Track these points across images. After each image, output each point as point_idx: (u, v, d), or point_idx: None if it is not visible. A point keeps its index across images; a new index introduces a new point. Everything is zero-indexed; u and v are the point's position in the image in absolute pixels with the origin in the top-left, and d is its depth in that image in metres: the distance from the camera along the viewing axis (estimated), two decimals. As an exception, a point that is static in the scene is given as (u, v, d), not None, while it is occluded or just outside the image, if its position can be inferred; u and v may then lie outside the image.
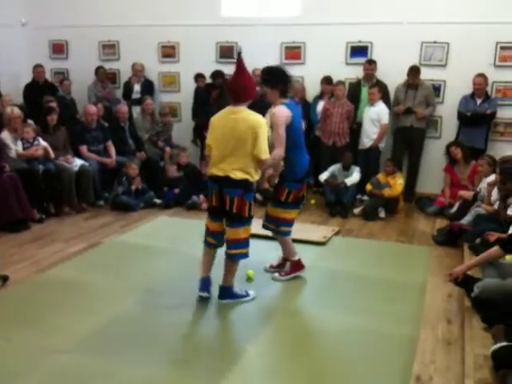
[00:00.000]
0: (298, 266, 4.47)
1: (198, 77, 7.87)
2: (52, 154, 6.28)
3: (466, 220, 5.33)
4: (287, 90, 4.16)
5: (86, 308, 3.87)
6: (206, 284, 3.96)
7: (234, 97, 3.75)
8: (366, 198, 6.75)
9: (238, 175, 3.70)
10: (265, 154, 3.70)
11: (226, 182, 3.71)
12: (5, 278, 4.26)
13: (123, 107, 7.29)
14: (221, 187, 3.74)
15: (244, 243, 3.87)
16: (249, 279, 4.37)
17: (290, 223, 4.35)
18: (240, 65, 3.75)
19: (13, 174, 5.71)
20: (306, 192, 4.44)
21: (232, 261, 3.91)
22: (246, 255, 3.91)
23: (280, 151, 3.99)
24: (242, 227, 3.82)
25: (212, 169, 3.79)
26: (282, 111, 4.03)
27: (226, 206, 3.75)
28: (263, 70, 4.30)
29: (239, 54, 3.79)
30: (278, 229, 4.36)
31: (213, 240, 3.95)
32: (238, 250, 3.86)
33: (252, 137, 3.65)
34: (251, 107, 3.83)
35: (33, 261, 4.77)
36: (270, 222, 4.38)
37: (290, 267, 4.49)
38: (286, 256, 4.49)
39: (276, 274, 4.47)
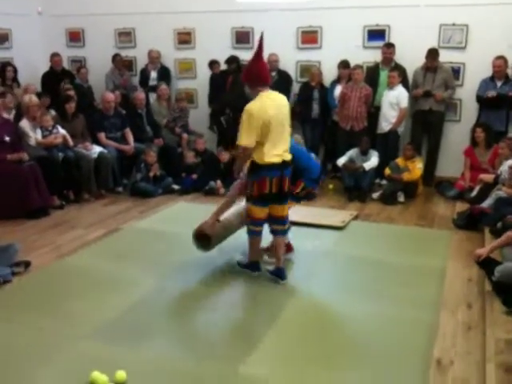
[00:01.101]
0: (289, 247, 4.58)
1: (213, 63, 7.84)
2: (71, 142, 6.34)
3: (487, 203, 5.26)
4: None
5: (106, 294, 3.91)
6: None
7: (265, 80, 3.84)
8: (384, 182, 6.70)
9: (288, 157, 3.93)
10: None
11: (284, 166, 3.88)
12: (27, 264, 4.33)
13: (140, 94, 7.31)
14: (282, 172, 3.87)
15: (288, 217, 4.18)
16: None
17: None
18: (262, 47, 3.86)
19: (32, 163, 5.77)
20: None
21: (284, 236, 4.17)
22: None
23: None
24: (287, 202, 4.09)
25: (268, 158, 3.81)
26: None
27: (285, 187, 3.92)
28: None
29: (262, 37, 3.84)
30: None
31: (261, 227, 4.11)
32: (288, 224, 4.18)
33: (288, 116, 3.92)
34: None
35: (53, 247, 4.84)
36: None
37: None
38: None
39: (265, 257, 4.50)
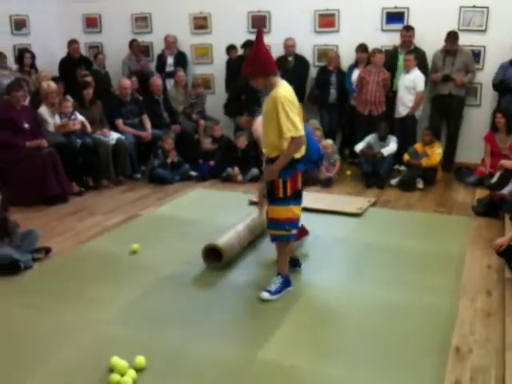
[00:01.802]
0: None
1: (230, 48, 7.80)
2: (89, 128, 6.38)
3: (507, 190, 5.20)
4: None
5: (125, 279, 3.96)
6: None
7: (275, 67, 3.46)
8: (403, 168, 6.65)
9: None
10: None
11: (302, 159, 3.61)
12: (47, 250, 4.39)
13: (157, 80, 7.31)
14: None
15: None
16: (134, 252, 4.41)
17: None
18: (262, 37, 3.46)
19: (51, 149, 5.82)
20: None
21: None
22: None
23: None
24: None
25: (302, 150, 3.53)
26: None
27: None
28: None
29: (260, 30, 3.45)
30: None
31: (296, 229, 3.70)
32: None
33: None
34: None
35: (73, 233, 4.90)
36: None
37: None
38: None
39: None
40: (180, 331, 3.25)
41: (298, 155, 3.46)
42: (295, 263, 4.05)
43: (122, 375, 2.76)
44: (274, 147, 3.44)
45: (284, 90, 3.38)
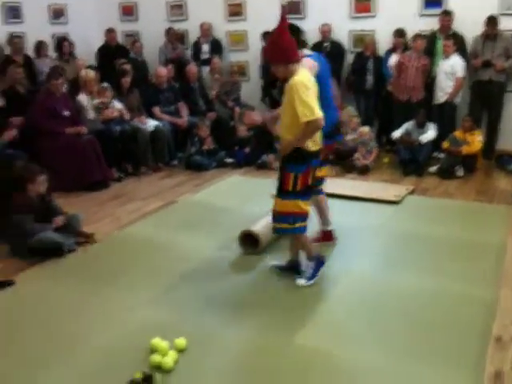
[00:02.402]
0: (328, 236, 4.23)
1: (265, 35, 7.76)
2: (127, 116, 6.47)
3: (551, 178, 5.06)
4: (301, 39, 3.88)
5: (164, 263, 4.03)
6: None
7: (296, 54, 3.31)
8: (442, 155, 6.54)
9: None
10: None
11: (319, 154, 3.44)
12: (89, 234, 4.49)
13: (193, 68, 7.35)
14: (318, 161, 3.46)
15: None
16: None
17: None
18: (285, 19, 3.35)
19: (91, 136, 5.94)
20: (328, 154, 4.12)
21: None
22: None
23: None
24: None
25: (318, 143, 3.37)
26: (306, 60, 3.61)
27: (312, 179, 3.46)
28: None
29: (284, 9, 3.45)
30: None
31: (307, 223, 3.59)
32: None
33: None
34: None
35: (113, 218, 5.01)
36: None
37: (320, 235, 4.26)
38: (322, 223, 4.24)
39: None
40: (218, 315, 3.30)
41: (314, 147, 3.32)
42: (295, 267, 3.76)
43: (163, 356, 2.82)
44: (291, 134, 3.31)
45: (301, 76, 3.25)
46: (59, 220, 4.28)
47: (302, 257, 3.78)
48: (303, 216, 3.46)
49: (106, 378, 2.72)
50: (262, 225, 4.20)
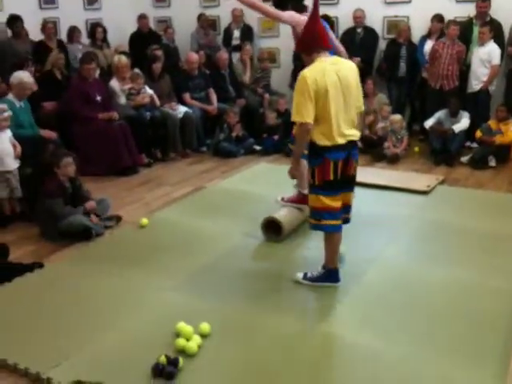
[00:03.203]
0: (304, 199, 4.01)
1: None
2: (158, 102, 6.51)
3: None
4: (301, 5, 3.99)
5: (192, 248, 4.07)
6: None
7: (321, 44, 3.23)
8: (474, 145, 6.40)
9: (356, 134, 3.27)
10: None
11: (351, 147, 3.24)
12: (118, 218, 4.57)
13: (223, 54, 7.34)
14: (348, 153, 3.24)
15: None
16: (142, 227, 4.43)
17: None
18: (317, 7, 3.28)
19: (122, 122, 6.01)
20: None
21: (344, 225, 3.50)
22: None
23: None
24: None
25: (329, 139, 3.16)
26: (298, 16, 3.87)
27: (350, 171, 3.29)
28: None
29: None
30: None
31: (339, 220, 3.36)
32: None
33: (357, 85, 3.29)
34: None
35: (142, 203, 5.07)
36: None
37: (296, 196, 4.32)
38: (299, 186, 4.28)
39: (278, 197, 4.37)
40: (242, 301, 3.32)
41: (324, 142, 3.17)
42: (332, 275, 3.53)
43: (188, 340, 2.86)
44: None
45: (312, 68, 3.14)
46: (90, 205, 4.35)
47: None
48: (329, 212, 3.29)
49: (132, 361, 2.77)
50: (286, 212, 4.21)
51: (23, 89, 5.03)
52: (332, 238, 3.41)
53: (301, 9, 4.04)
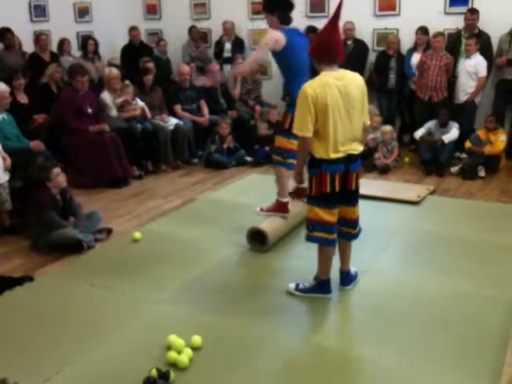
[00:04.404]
0: (282, 207, 4.28)
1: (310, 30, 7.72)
2: (149, 114, 6.52)
3: None
4: (287, 16, 4.06)
5: (183, 260, 4.06)
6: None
7: (333, 57, 3.19)
8: (464, 155, 6.45)
9: (357, 149, 3.27)
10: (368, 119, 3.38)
11: (350, 160, 3.22)
12: (109, 231, 4.56)
13: (215, 66, 7.37)
14: (347, 167, 3.23)
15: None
16: (135, 240, 4.40)
17: (295, 155, 4.08)
18: (338, 15, 3.20)
19: (113, 134, 6.00)
20: None
21: (351, 241, 3.52)
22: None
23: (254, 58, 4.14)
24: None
25: (327, 152, 3.17)
26: (274, 33, 3.97)
27: (351, 185, 3.27)
28: None
29: (340, 3, 3.20)
30: (285, 160, 4.20)
31: (333, 234, 3.36)
32: (359, 227, 3.52)
33: (362, 100, 3.26)
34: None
35: (134, 215, 5.06)
36: (278, 153, 4.22)
37: (274, 205, 4.38)
38: (278, 194, 4.36)
39: (257, 208, 4.42)
40: (235, 314, 3.31)
41: (321, 155, 3.18)
42: (343, 278, 3.60)
43: (179, 353, 2.84)
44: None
45: (313, 83, 3.14)
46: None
47: (352, 268, 3.62)
48: (322, 225, 3.29)
49: (123, 374, 2.75)
50: (269, 222, 4.26)
51: (2, 98, 5.01)
52: (323, 251, 3.41)
53: (286, 20, 4.08)
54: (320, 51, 3.20)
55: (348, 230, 3.44)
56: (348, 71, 3.28)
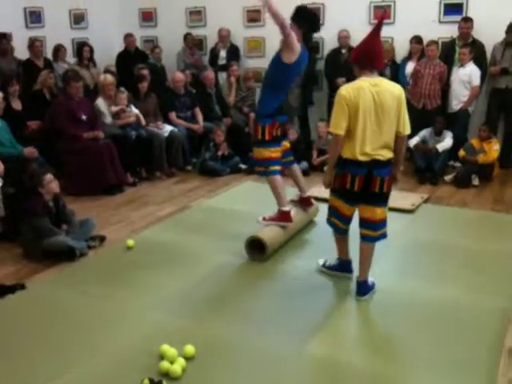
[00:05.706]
0: (285, 216, 4.34)
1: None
2: (143, 121, 6.51)
3: None
4: (310, 38, 4.20)
5: (176, 268, 4.03)
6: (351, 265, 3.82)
7: (373, 64, 3.31)
8: (457, 164, 6.47)
9: (385, 155, 3.32)
10: (408, 129, 3.41)
11: (374, 165, 3.30)
12: (102, 238, 4.53)
13: (210, 74, 7.38)
14: (370, 170, 3.31)
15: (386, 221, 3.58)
16: (128, 248, 4.38)
17: (276, 161, 4.31)
18: (381, 24, 3.40)
19: (108, 141, 5.98)
20: (283, 131, 4.43)
21: (374, 244, 3.56)
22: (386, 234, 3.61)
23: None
24: (386, 206, 3.53)
25: (351, 153, 3.30)
26: (296, 42, 4.06)
27: (374, 188, 3.33)
28: (297, 7, 4.25)
29: (384, 13, 3.48)
30: (267, 169, 4.31)
31: (346, 225, 3.62)
32: (385, 229, 3.56)
33: (397, 109, 3.31)
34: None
35: (127, 222, 5.03)
36: (259, 165, 4.44)
37: (276, 214, 4.38)
38: (277, 204, 4.38)
39: (260, 218, 4.42)
40: (228, 321, 3.30)
41: (346, 155, 3.32)
42: (358, 288, 3.61)
43: (172, 363, 2.82)
44: None
45: (349, 86, 3.30)
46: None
47: (370, 278, 3.64)
48: (338, 214, 3.57)
49: None
50: (268, 230, 4.23)
51: None
52: (336, 237, 3.74)
53: (309, 37, 4.20)
54: (363, 58, 3.32)
55: (367, 231, 3.50)
56: (386, 80, 3.41)
